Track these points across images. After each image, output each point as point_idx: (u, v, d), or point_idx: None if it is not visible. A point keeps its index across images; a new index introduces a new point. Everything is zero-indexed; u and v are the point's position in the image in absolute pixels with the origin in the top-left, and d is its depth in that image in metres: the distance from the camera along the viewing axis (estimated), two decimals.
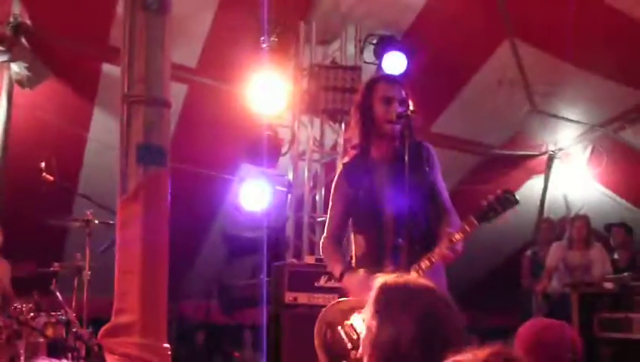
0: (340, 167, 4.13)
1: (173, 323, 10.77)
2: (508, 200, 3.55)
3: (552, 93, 8.63)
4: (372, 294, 2.35)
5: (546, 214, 9.94)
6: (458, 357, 1.77)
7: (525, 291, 9.01)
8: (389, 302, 2.29)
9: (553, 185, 10.05)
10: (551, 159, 9.87)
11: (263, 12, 6.80)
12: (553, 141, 9.69)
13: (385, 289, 2.34)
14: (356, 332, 3.58)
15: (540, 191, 10.14)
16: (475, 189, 9.65)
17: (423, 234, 3.83)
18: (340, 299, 3.91)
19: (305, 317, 5.16)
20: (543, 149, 9.83)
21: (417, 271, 3.63)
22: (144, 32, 2.70)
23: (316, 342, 3.75)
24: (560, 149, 9.76)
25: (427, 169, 3.90)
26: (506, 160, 9.81)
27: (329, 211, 4.10)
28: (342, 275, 3.85)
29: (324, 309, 3.84)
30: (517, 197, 3.59)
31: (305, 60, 7.68)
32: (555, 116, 9.10)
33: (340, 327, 3.65)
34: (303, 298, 6.33)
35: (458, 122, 8.98)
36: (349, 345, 3.58)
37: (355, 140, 4.03)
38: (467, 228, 3.58)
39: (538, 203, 10.16)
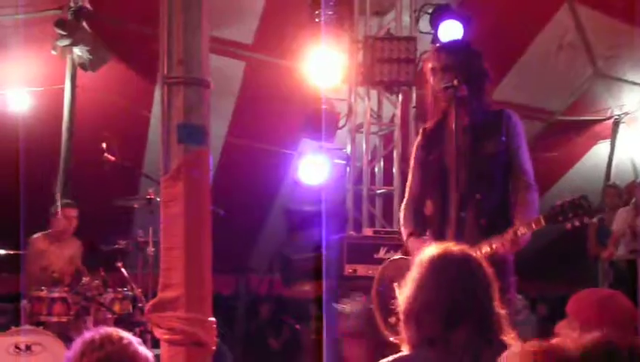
0: (420, 133, 4.15)
1: (240, 296, 11.00)
2: (582, 207, 3.40)
3: (615, 56, 8.41)
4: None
5: (613, 180, 9.69)
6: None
7: (591, 259, 8.85)
8: (422, 271, 2.39)
9: (620, 150, 9.83)
10: (617, 124, 9.64)
11: None
12: (618, 105, 9.44)
13: (423, 260, 2.44)
14: None
15: (607, 157, 9.93)
16: (538, 156, 9.52)
17: (493, 207, 3.80)
18: (402, 256, 3.99)
19: (364, 289, 5.18)
20: (608, 114, 9.59)
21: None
22: (181, 14, 2.76)
23: (372, 293, 3.91)
24: (626, 113, 9.52)
25: (503, 138, 3.82)
26: (571, 126, 9.63)
27: (409, 178, 4.13)
28: (409, 237, 3.94)
29: (384, 263, 4.00)
30: (592, 208, 3.45)
31: (360, 32, 7.64)
32: (620, 80, 8.88)
33: (395, 284, 3.65)
34: (362, 270, 6.34)
35: (519, 89, 8.81)
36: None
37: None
38: (534, 225, 3.52)
39: (604, 169, 9.94)
